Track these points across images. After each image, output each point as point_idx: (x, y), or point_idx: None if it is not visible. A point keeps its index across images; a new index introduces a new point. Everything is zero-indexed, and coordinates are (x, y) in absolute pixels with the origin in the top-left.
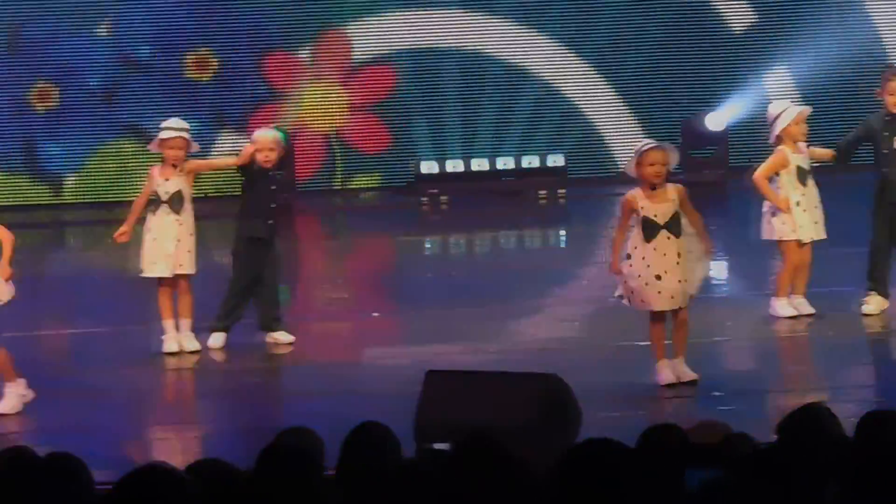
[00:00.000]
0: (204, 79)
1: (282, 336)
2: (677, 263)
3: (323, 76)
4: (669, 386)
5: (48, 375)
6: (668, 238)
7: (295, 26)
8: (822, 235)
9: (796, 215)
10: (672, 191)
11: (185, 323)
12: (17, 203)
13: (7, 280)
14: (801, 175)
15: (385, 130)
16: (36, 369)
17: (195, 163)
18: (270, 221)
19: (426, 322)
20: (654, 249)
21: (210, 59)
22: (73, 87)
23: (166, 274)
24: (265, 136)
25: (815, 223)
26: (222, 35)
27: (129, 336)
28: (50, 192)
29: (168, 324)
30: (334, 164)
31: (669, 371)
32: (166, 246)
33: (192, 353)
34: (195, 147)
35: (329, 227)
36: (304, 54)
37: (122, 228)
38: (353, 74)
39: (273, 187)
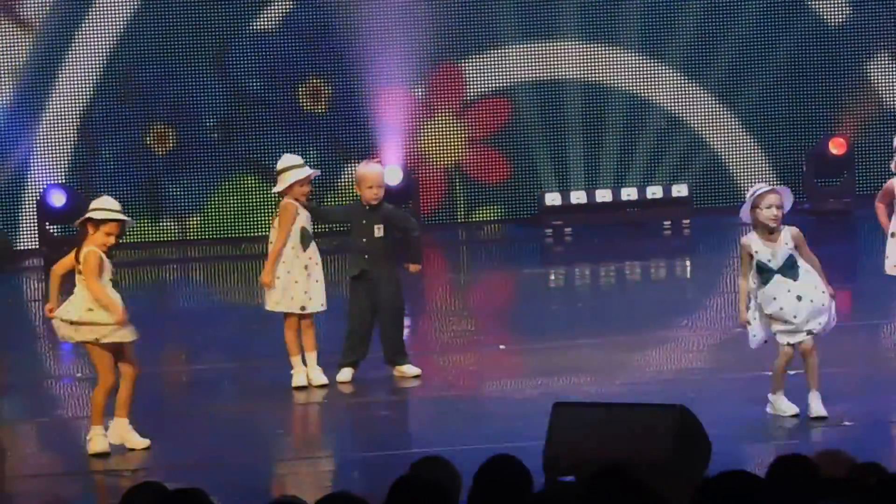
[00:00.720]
0: (318, 110)
1: (408, 369)
2: (798, 300)
3: (439, 109)
4: (793, 416)
5: (176, 411)
6: (783, 282)
7: (410, 61)
8: None
9: (889, 246)
10: (787, 234)
11: (311, 357)
12: (142, 240)
13: (121, 321)
14: None
15: (504, 162)
16: (164, 405)
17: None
18: (367, 256)
19: (552, 354)
20: (765, 293)
21: (323, 90)
22: (190, 127)
23: (294, 310)
24: (373, 172)
25: None
26: (335, 67)
27: (256, 371)
28: (175, 230)
29: (296, 360)
30: (456, 197)
31: (782, 402)
32: (297, 281)
33: (320, 386)
34: (315, 174)
35: (453, 260)
36: (418, 89)
37: (267, 269)
38: (468, 107)
39: (364, 222)
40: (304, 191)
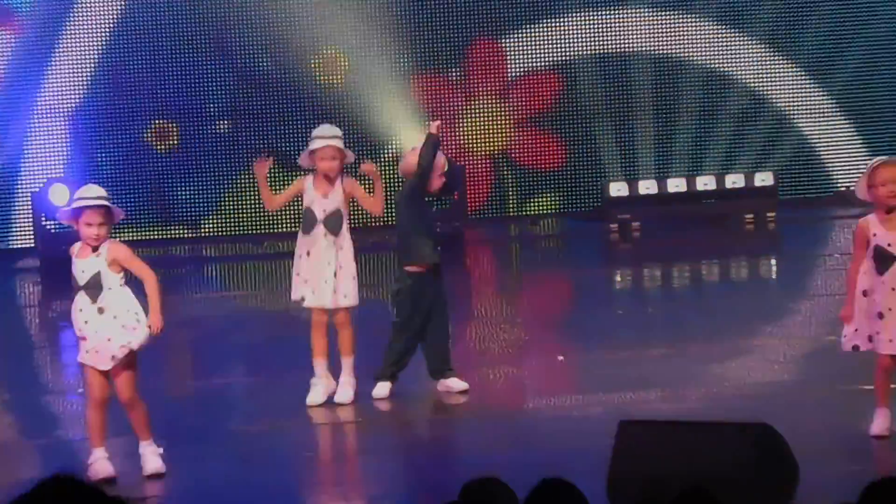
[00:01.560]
0: (337, 87)
1: (455, 383)
2: None
3: (478, 89)
4: (882, 437)
5: (196, 432)
6: None
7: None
8: None
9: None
10: None
11: (347, 363)
12: (155, 237)
13: (158, 331)
14: None
15: (560, 146)
16: (183, 424)
17: (353, 184)
18: (439, 248)
19: (618, 366)
20: (883, 283)
21: (340, 62)
22: (194, 119)
23: (326, 305)
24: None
25: None
26: (356, 41)
27: (279, 384)
28: (187, 230)
29: (320, 364)
30: (505, 187)
31: (885, 421)
32: (324, 273)
33: (347, 405)
34: (350, 156)
35: (504, 259)
36: (454, 71)
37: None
38: (512, 85)
39: (434, 209)
40: (325, 167)
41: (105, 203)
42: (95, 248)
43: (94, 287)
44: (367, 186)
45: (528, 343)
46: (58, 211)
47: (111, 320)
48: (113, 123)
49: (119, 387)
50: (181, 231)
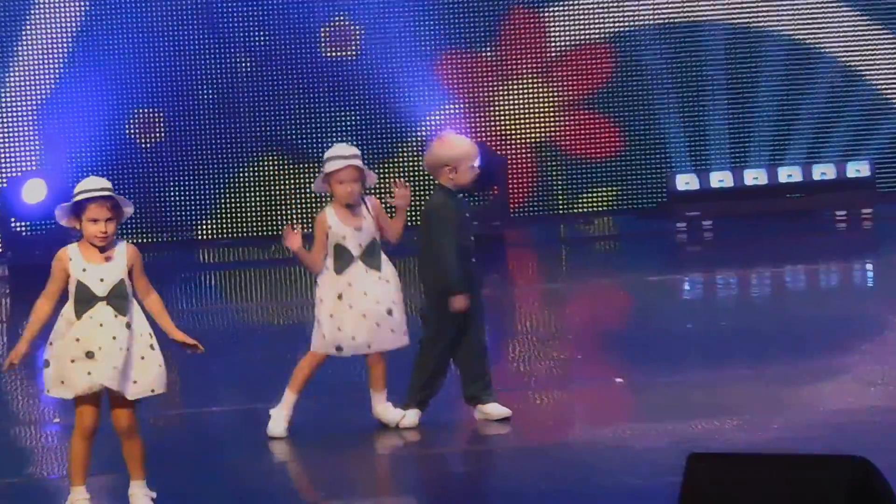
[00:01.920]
0: (349, 62)
1: (494, 409)
2: None
3: (515, 69)
4: None
5: (186, 466)
6: None
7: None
8: None
9: None
10: None
11: (381, 397)
12: (143, 242)
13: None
14: None
15: (615, 132)
16: (171, 458)
17: (377, 203)
18: (474, 260)
19: (686, 389)
20: None
21: (353, 35)
22: (182, 109)
23: (387, 347)
24: (466, 146)
25: None
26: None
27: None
28: (181, 233)
29: (291, 397)
30: (552, 181)
31: None
32: (374, 313)
33: (403, 428)
34: (372, 178)
35: (551, 265)
36: (488, 48)
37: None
38: (557, 62)
39: (467, 215)
40: (346, 192)
41: (112, 194)
42: (103, 249)
43: (121, 297)
44: (385, 206)
45: (580, 362)
46: (56, 208)
47: (140, 338)
48: (90, 113)
49: (120, 414)
50: (173, 235)
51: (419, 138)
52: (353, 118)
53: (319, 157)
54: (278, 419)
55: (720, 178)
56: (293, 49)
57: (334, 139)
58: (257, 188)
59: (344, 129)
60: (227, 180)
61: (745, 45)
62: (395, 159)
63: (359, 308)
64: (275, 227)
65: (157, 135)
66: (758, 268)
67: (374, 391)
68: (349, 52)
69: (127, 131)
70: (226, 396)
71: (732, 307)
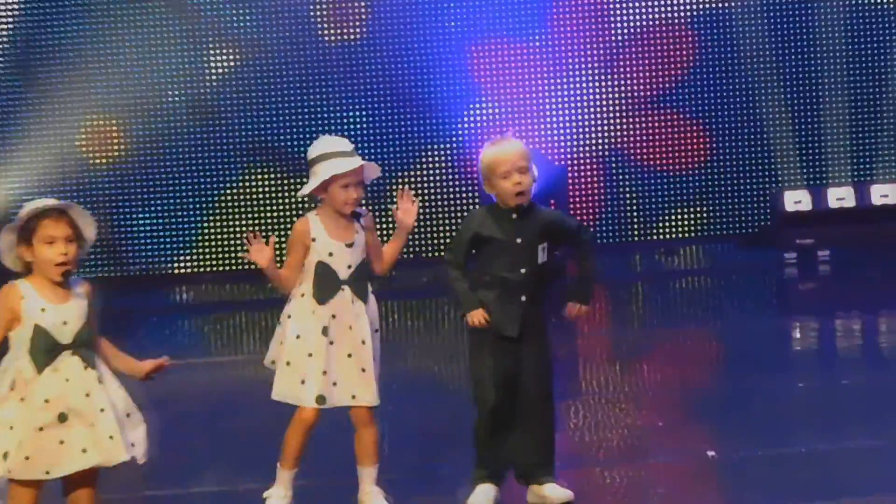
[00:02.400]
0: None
1: (553, 491)
2: None
3: (575, 59)
4: None
5: None
6: None
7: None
8: None
9: None
10: None
11: (370, 474)
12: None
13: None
14: None
15: (702, 135)
16: None
17: (371, 220)
18: (524, 298)
19: (799, 465)
20: None
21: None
22: (150, 116)
23: (372, 402)
24: (513, 150)
25: None
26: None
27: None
28: (155, 264)
29: (285, 475)
30: (624, 201)
31: None
32: (312, 354)
33: None
34: (376, 171)
35: (624, 305)
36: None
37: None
38: (623, 50)
39: (518, 241)
40: (350, 197)
41: (69, 210)
42: (63, 283)
43: (88, 346)
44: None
45: (660, 431)
46: None
47: (117, 390)
48: (32, 125)
49: (83, 496)
50: (144, 268)
51: (445, 146)
52: (363, 119)
53: None
54: (275, 501)
55: (840, 196)
56: (286, 36)
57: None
58: (247, 209)
59: (352, 132)
60: (209, 201)
61: (868, 26)
62: (416, 170)
63: (344, 346)
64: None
65: (117, 148)
66: (887, 310)
67: (360, 467)
68: (353, 36)
69: (80, 145)
70: (207, 474)
71: (855, 361)
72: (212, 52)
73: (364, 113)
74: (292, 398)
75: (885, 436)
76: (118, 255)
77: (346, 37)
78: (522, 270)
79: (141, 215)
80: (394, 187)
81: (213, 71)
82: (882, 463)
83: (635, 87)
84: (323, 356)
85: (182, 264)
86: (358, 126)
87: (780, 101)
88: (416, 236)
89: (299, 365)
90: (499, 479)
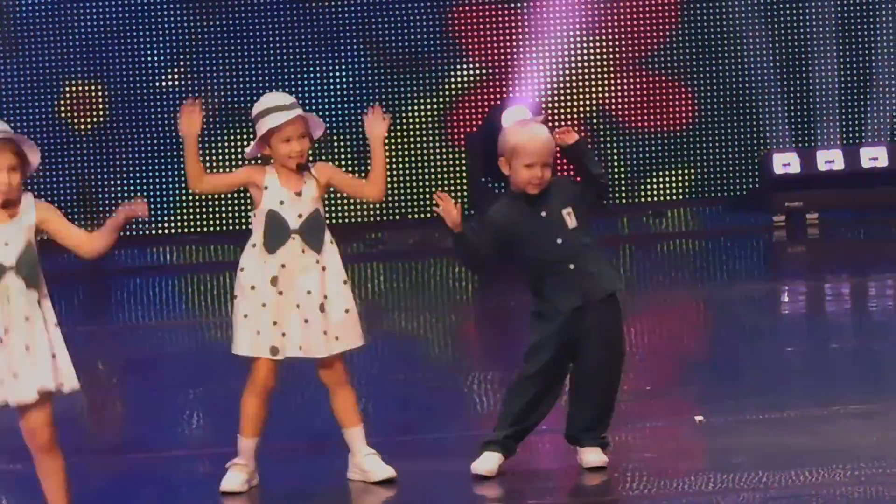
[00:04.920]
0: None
1: (594, 456)
2: None
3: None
4: None
5: None
6: None
7: None
8: None
9: None
10: None
11: (356, 434)
12: None
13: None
14: None
15: (689, 96)
16: None
17: (328, 168)
18: (572, 266)
19: (785, 430)
20: None
21: None
22: (130, 77)
23: (317, 353)
24: (541, 143)
25: None
26: None
27: (274, 456)
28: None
29: (248, 443)
30: (611, 162)
31: None
32: (307, 308)
33: (381, 483)
34: (319, 127)
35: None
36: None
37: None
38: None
39: (543, 213)
40: (294, 150)
41: (13, 136)
42: (5, 205)
43: (30, 266)
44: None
45: (648, 396)
46: None
47: (53, 327)
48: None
49: (37, 425)
50: (126, 229)
51: (429, 106)
52: (345, 77)
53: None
54: (235, 473)
55: (828, 159)
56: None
57: (324, 101)
58: (233, 167)
59: (334, 91)
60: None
61: None
62: (399, 130)
63: (291, 297)
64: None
65: (99, 112)
66: (876, 274)
67: (346, 429)
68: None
69: (60, 111)
70: (189, 438)
71: (844, 325)
72: (195, 10)
73: (345, 70)
74: (249, 349)
75: (875, 399)
76: (97, 216)
77: None
78: (559, 241)
79: (122, 173)
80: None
81: (199, 29)
82: (872, 427)
83: (620, 48)
84: (273, 306)
85: (166, 224)
86: (339, 85)
87: (769, 63)
88: (403, 198)
89: (255, 316)
90: (507, 450)
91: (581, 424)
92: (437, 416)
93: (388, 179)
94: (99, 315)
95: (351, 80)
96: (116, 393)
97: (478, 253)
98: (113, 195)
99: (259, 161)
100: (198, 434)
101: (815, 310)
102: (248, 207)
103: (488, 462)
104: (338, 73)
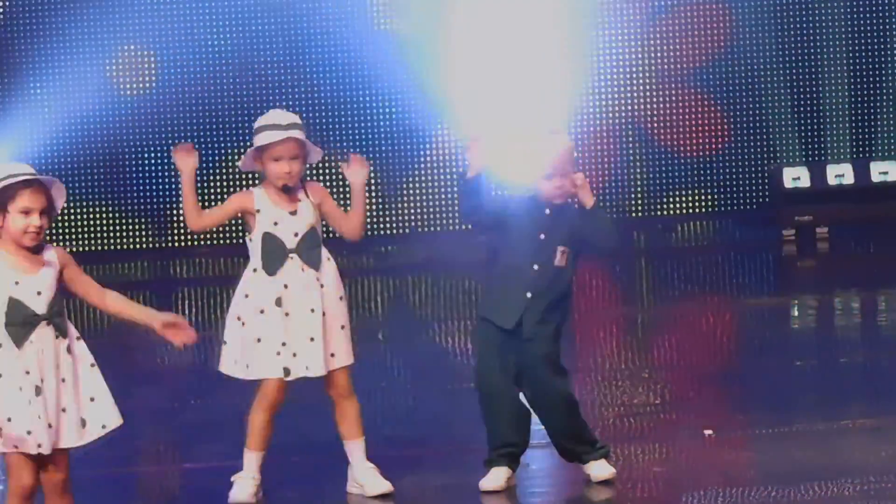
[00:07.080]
0: None
1: (600, 469)
2: None
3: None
4: None
5: None
6: None
7: None
8: None
9: None
10: None
11: (357, 447)
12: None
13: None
14: None
15: (703, 114)
16: None
17: (321, 191)
18: (529, 295)
19: (794, 445)
20: None
21: None
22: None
23: (319, 372)
24: (563, 151)
25: None
26: None
27: (289, 472)
28: (160, 232)
29: (252, 457)
30: (629, 176)
31: None
32: (310, 327)
33: (379, 497)
34: (316, 154)
35: (624, 282)
36: None
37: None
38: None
39: (542, 236)
40: (282, 170)
41: (42, 179)
42: (35, 251)
43: (61, 316)
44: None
45: (658, 410)
46: None
47: (89, 368)
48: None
49: (58, 469)
50: (140, 239)
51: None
52: (350, 91)
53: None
54: (243, 485)
55: (839, 173)
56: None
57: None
58: (248, 176)
59: (339, 106)
60: (208, 166)
61: (872, 4)
62: (406, 145)
63: (296, 316)
64: None
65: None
66: (886, 289)
67: (347, 441)
68: None
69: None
70: (202, 450)
71: (853, 340)
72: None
73: (352, 85)
74: (266, 372)
75: (884, 414)
76: (112, 225)
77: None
78: (535, 267)
79: (133, 181)
80: (388, 162)
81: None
82: (882, 442)
83: (633, 64)
84: (282, 328)
85: (178, 236)
86: (344, 99)
87: (779, 77)
88: (411, 211)
89: (268, 339)
90: (514, 462)
91: (566, 446)
92: (446, 429)
93: (408, 190)
94: (106, 327)
95: (356, 93)
96: (123, 406)
97: (481, 206)
98: (128, 196)
99: (248, 186)
100: (204, 447)
101: (825, 324)
102: None
103: (496, 478)
104: (344, 86)
